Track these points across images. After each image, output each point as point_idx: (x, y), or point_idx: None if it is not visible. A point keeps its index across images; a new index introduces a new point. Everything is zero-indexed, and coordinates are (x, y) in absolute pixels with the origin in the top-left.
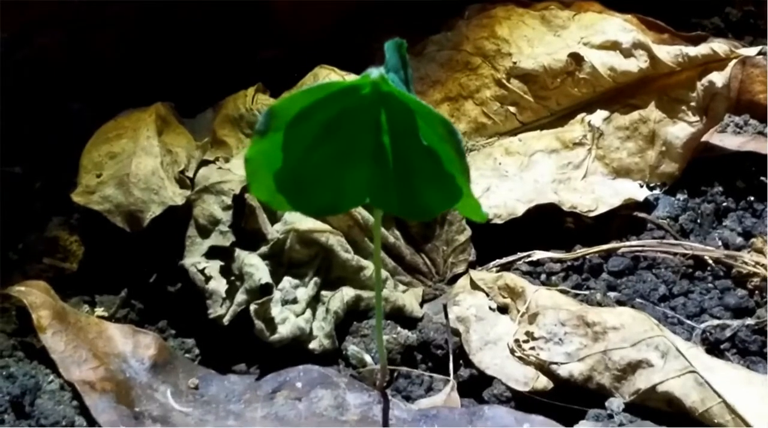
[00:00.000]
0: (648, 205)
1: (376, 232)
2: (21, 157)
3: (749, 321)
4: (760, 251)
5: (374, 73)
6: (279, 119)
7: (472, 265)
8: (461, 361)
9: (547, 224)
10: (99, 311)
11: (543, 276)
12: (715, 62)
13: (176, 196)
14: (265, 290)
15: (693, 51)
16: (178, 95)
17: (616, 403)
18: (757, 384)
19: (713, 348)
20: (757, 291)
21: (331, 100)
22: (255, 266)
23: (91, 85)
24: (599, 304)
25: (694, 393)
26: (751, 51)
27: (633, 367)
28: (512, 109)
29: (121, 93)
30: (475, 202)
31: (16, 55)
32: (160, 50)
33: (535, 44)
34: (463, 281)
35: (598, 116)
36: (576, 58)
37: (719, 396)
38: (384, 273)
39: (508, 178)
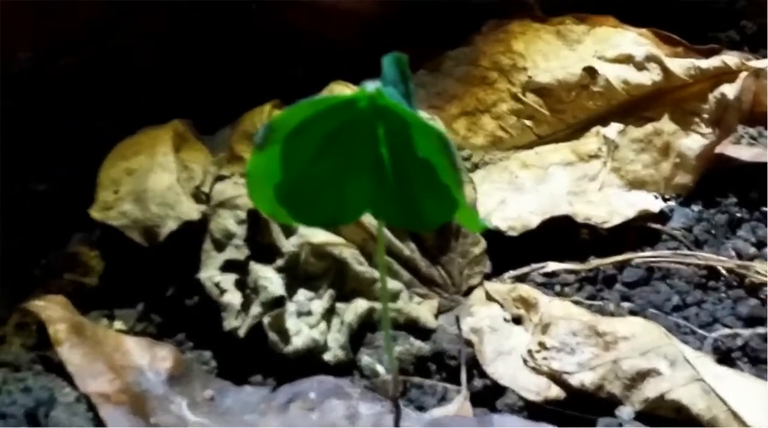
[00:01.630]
0: (663, 216)
1: (380, 241)
2: (46, 175)
3: (761, 330)
4: None
5: (370, 86)
6: (278, 133)
7: (487, 277)
8: (475, 371)
9: (561, 236)
10: (118, 325)
11: (557, 288)
12: (727, 74)
13: (192, 211)
14: (278, 303)
15: (705, 64)
16: (200, 112)
17: (626, 412)
18: (765, 393)
19: (725, 357)
20: None
21: (329, 113)
22: (269, 279)
23: (117, 103)
24: (612, 315)
25: (701, 401)
26: (762, 63)
27: (642, 376)
28: (528, 122)
29: (146, 110)
30: (472, 213)
31: (44, 73)
32: (186, 68)
33: (551, 58)
34: (478, 292)
35: (613, 129)
36: (590, 72)
37: (725, 404)
38: (399, 286)
39: (523, 190)
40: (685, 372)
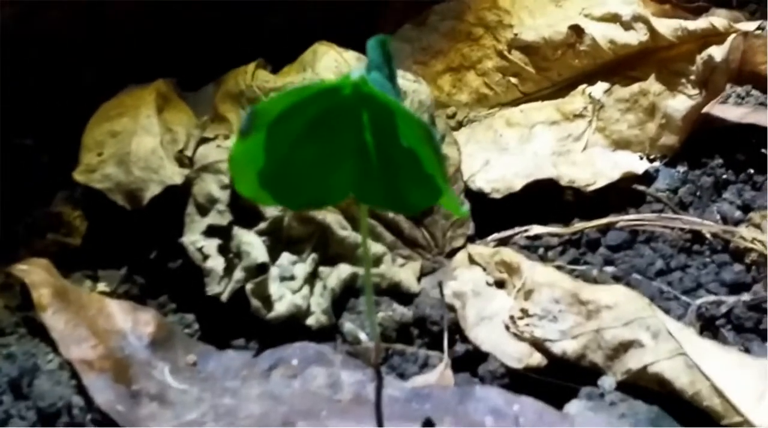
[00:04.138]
0: (647, 178)
1: (362, 223)
2: (31, 129)
3: (745, 297)
4: (757, 226)
5: (355, 74)
6: (261, 119)
7: (471, 239)
8: (457, 336)
9: (545, 197)
10: (101, 286)
11: (540, 251)
12: (715, 36)
13: (175, 175)
14: (261, 269)
15: (692, 25)
16: (183, 65)
17: (608, 382)
18: (748, 367)
19: (708, 324)
20: (754, 267)
21: (313, 100)
22: (252, 244)
23: (101, 57)
24: (595, 280)
25: (684, 375)
26: (750, 26)
27: (625, 347)
28: (514, 80)
29: (131, 65)
30: (455, 200)
31: (27, 27)
32: (168, 21)
33: (537, 15)
34: (461, 255)
35: (599, 88)
36: (577, 31)
37: (708, 379)
38: (382, 249)
39: (507, 151)
40: (668, 344)
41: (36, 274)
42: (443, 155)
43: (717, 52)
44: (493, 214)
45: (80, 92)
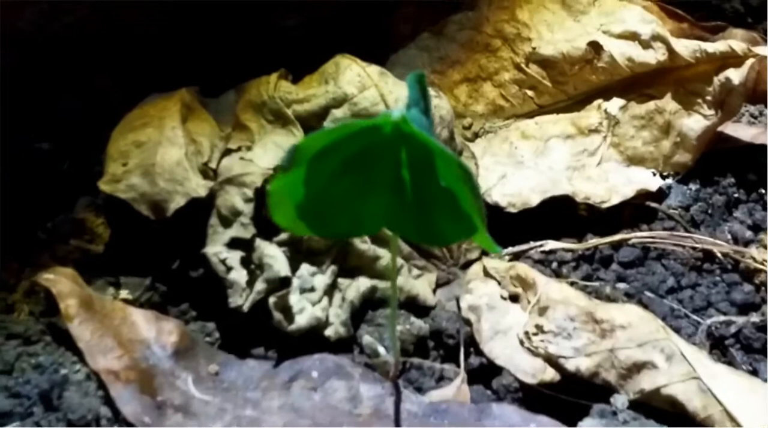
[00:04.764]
0: (660, 194)
1: (393, 249)
2: (49, 134)
3: (754, 318)
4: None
5: (396, 114)
6: (303, 154)
7: (486, 252)
8: (472, 349)
9: (560, 212)
10: (123, 293)
11: (554, 265)
12: (733, 58)
13: (200, 187)
14: (284, 283)
15: (711, 47)
16: (202, 70)
17: (620, 400)
18: (759, 393)
19: (718, 343)
20: (763, 287)
21: (353, 138)
22: (274, 257)
23: (118, 61)
24: (608, 297)
25: (696, 399)
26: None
27: (638, 367)
28: (530, 92)
29: (149, 69)
30: (489, 239)
31: (46, 31)
32: (186, 25)
33: (555, 29)
34: (476, 268)
35: (615, 104)
36: (595, 47)
37: (720, 404)
38: (399, 260)
39: (523, 165)
40: (681, 368)
41: (62, 284)
42: (481, 195)
43: (735, 75)
44: (508, 228)
45: (97, 97)
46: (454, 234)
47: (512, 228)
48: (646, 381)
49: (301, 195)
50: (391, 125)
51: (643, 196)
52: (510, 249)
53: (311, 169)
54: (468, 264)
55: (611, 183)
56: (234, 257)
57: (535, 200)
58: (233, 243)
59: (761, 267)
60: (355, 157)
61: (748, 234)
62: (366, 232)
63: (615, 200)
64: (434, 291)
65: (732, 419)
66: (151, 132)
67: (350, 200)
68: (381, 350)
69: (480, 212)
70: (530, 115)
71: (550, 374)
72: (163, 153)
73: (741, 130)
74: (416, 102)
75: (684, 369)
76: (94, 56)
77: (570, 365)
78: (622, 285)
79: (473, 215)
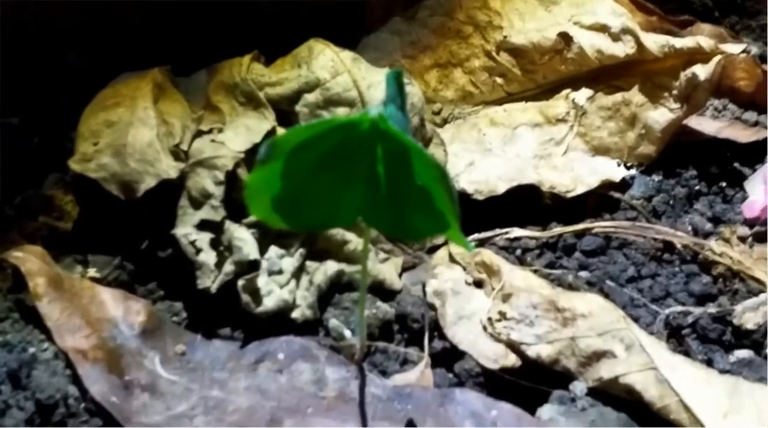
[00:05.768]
0: (623, 184)
1: (365, 242)
2: (18, 108)
3: (711, 309)
4: (727, 241)
5: (373, 111)
6: (280, 149)
7: None
8: (436, 333)
9: (525, 200)
10: (91, 272)
11: (518, 252)
12: (700, 54)
13: (170, 168)
14: (252, 265)
15: (679, 43)
16: (174, 48)
17: (579, 387)
18: (715, 385)
19: (675, 333)
20: (720, 279)
21: (331, 133)
22: (244, 240)
23: (90, 39)
24: (570, 285)
25: (653, 388)
26: (734, 48)
27: (598, 356)
28: (499, 80)
29: (120, 46)
30: (462, 237)
31: (17, 7)
32: (159, 2)
33: (527, 19)
34: (441, 253)
35: (583, 94)
36: (565, 38)
37: (677, 394)
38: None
39: (491, 152)
40: (640, 358)
41: (31, 262)
42: (456, 193)
43: (701, 71)
44: (474, 215)
45: (67, 73)
46: (426, 230)
47: (478, 214)
48: (605, 370)
49: (278, 188)
50: (368, 122)
51: (607, 185)
52: (476, 236)
53: (288, 162)
54: (434, 249)
55: (576, 172)
56: (203, 239)
57: (502, 188)
58: (203, 225)
59: (719, 259)
60: (332, 151)
61: (708, 226)
62: (340, 224)
63: (580, 189)
64: (400, 275)
65: (687, 409)
66: (122, 112)
67: (326, 194)
68: (347, 333)
69: (454, 211)
70: (499, 102)
71: (512, 360)
72: (135, 133)
73: (705, 124)
74: (393, 98)
75: (642, 360)
76: (65, 33)
77: (531, 352)
78: (584, 274)
79: (447, 213)
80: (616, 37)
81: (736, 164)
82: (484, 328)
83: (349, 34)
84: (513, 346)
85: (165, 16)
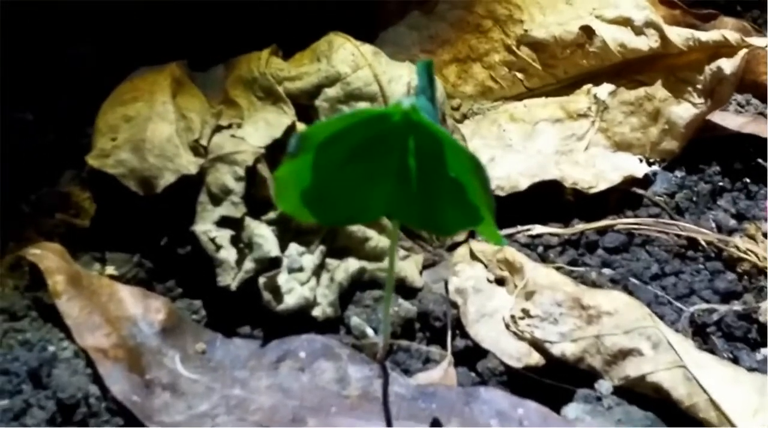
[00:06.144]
0: (646, 180)
1: (392, 241)
2: (30, 102)
3: (736, 306)
4: (752, 237)
5: (405, 102)
6: (310, 142)
7: (472, 234)
8: (458, 331)
9: (547, 196)
10: (110, 269)
11: (540, 249)
12: (725, 48)
13: (190, 164)
14: (273, 263)
15: (705, 36)
16: (189, 42)
17: (605, 386)
18: (744, 383)
19: (699, 331)
20: (745, 276)
21: (361, 126)
22: (264, 237)
23: (103, 32)
24: (594, 283)
25: (682, 387)
26: (760, 41)
27: (624, 354)
28: (520, 75)
29: (134, 40)
30: (495, 231)
31: (31, 2)
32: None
33: (547, 12)
34: (462, 250)
35: (604, 89)
36: (587, 32)
37: (706, 392)
38: (386, 241)
39: (512, 148)
40: (667, 356)
41: (50, 260)
42: (490, 186)
43: (727, 65)
44: (496, 211)
45: (81, 68)
46: (458, 223)
47: (500, 211)
48: (631, 368)
49: (307, 182)
50: (400, 114)
51: (629, 182)
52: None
53: (318, 156)
54: (454, 247)
55: (598, 168)
56: (223, 235)
57: (524, 184)
58: (223, 222)
59: (744, 256)
60: (362, 144)
61: (732, 222)
62: (368, 219)
63: (602, 186)
64: (420, 273)
65: (717, 408)
66: (141, 106)
67: (355, 187)
68: (369, 331)
69: (489, 204)
70: (519, 97)
71: (535, 358)
72: (154, 128)
73: (729, 119)
74: (424, 89)
75: (670, 358)
76: (78, 26)
77: (555, 350)
78: (607, 271)
79: (481, 206)
80: (639, 31)
81: (759, 160)
82: (507, 326)
83: (365, 28)
84: (537, 344)
85: (182, 9)
